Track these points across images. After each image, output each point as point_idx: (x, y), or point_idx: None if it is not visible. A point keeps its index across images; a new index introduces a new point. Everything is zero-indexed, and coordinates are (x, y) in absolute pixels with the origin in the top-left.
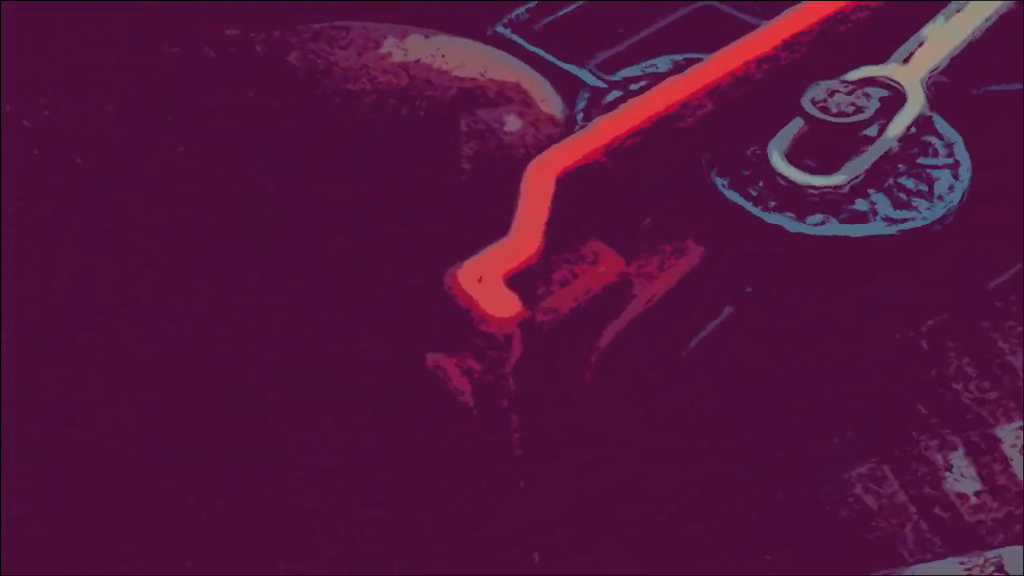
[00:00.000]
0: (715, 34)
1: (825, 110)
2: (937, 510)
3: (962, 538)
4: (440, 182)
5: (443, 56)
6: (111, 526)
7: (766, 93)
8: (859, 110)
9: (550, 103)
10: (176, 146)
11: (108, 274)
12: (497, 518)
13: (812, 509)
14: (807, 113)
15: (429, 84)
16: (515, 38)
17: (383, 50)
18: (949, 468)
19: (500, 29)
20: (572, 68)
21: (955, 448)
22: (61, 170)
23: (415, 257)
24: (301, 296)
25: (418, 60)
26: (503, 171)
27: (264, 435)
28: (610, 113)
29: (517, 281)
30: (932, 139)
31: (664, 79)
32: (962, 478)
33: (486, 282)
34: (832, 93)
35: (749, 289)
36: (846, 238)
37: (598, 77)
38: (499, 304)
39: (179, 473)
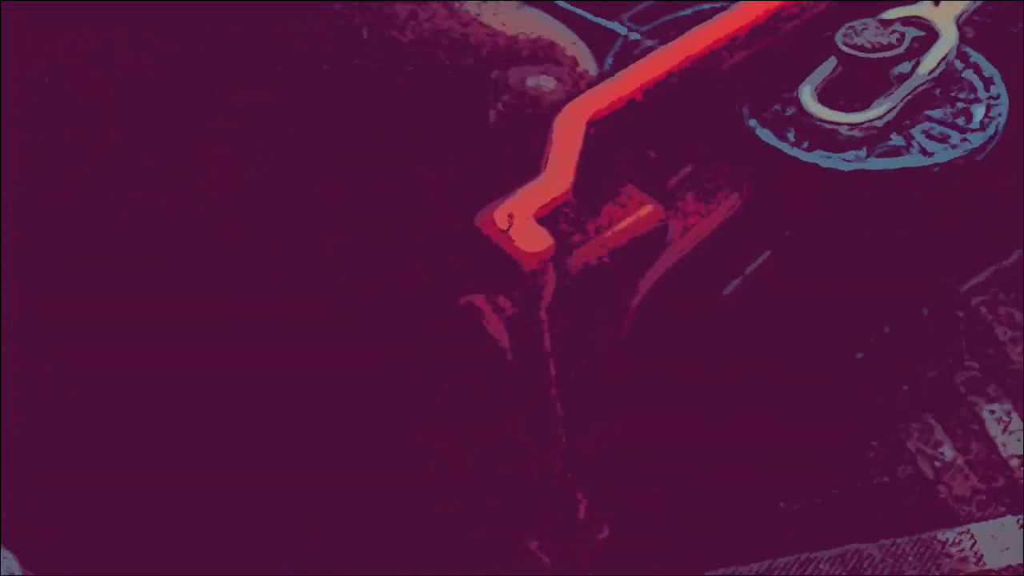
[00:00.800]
0: None
1: (858, 47)
2: (991, 471)
3: (1018, 498)
4: (470, 142)
5: (477, 15)
6: (111, 526)
7: (800, 36)
8: (891, 47)
9: (584, 61)
10: (176, 146)
11: (108, 274)
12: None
13: (863, 466)
14: (840, 51)
15: (459, 43)
16: None
17: (421, 11)
18: (1004, 430)
19: None
20: (604, 22)
21: (1008, 411)
22: (62, 168)
23: (421, 252)
24: (301, 295)
25: (451, 18)
26: (534, 128)
27: (265, 435)
28: (642, 59)
29: (549, 220)
30: (968, 74)
31: (696, 26)
32: (1016, 440)
33: (517, 220)
34: (865, 31)
35: (787, 232)
36: (882, 171)
37: (630, 28)
38: (530, 240)
39: (179, 473)
